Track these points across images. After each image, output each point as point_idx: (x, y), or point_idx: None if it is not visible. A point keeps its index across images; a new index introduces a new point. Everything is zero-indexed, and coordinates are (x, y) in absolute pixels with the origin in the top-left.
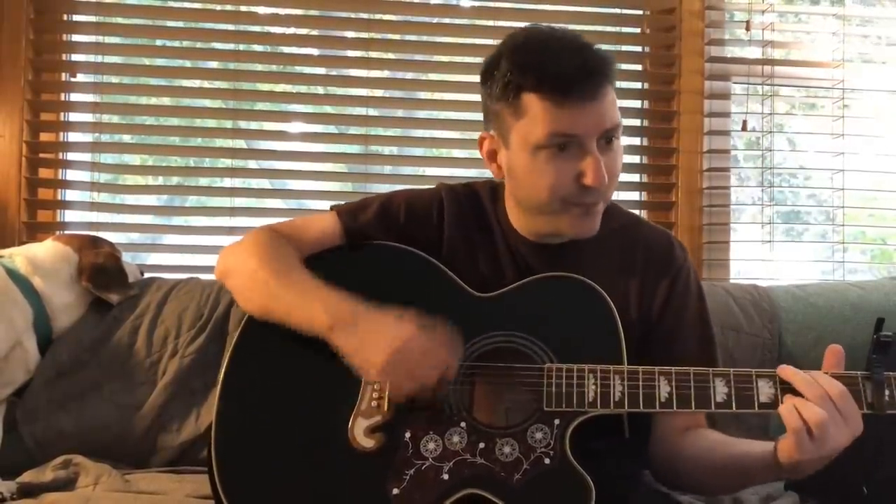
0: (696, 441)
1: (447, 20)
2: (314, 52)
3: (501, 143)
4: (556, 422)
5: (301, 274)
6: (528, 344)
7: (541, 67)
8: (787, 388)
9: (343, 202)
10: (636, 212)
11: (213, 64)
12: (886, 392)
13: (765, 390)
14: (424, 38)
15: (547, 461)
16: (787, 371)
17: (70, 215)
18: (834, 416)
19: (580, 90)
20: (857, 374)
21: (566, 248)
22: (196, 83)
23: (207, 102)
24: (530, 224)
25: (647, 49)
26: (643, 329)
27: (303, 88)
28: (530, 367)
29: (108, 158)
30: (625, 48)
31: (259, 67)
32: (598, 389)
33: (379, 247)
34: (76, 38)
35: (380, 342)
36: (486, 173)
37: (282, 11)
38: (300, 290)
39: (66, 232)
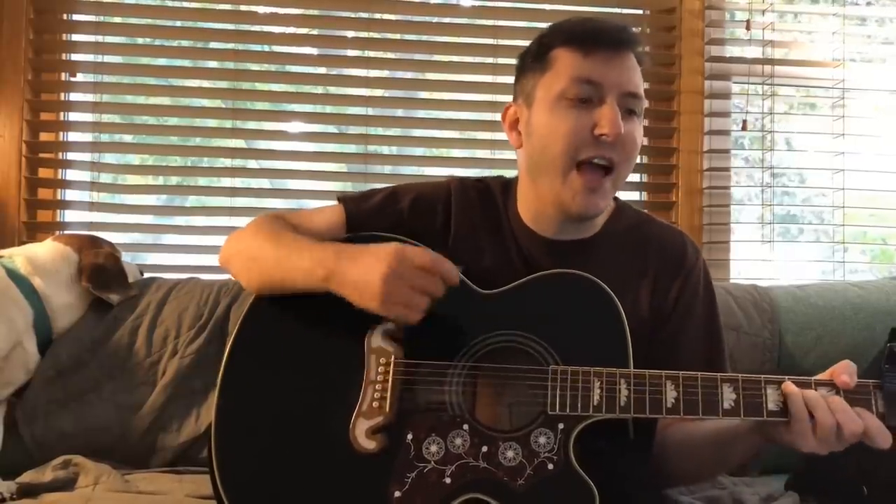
0: (678, 429)
1: (447, 20)
2: (314, 51)
3: (525, 106)
4: (561, 426)
5: (290, 236)
6: (532, 344)
7: (573, 25)
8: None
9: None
10: None
11: (213, 63)
12: None
13: (773, 397)
14: (424, 37)
15: (550, 466)
16: (788, 388)
17: (70, 215)
18: (829, 445)
19: (608, 42)
20: (868, 383)
21: (577, 246)
22: (196, 83)
23: (207, 102)
24: (540, 207)
25: (647, 49)
26: (653, 329)
27: (302, 88)
28: (535, 368)
29: (108, 158)
30: None
31: (259, 67)
32: (604, 393)
33: (382, 239)
34: (76, 37)
35: (369, 272)
36: (486, 173)
37: (281, 11)
38: (291, 249)
39: (66, 232)
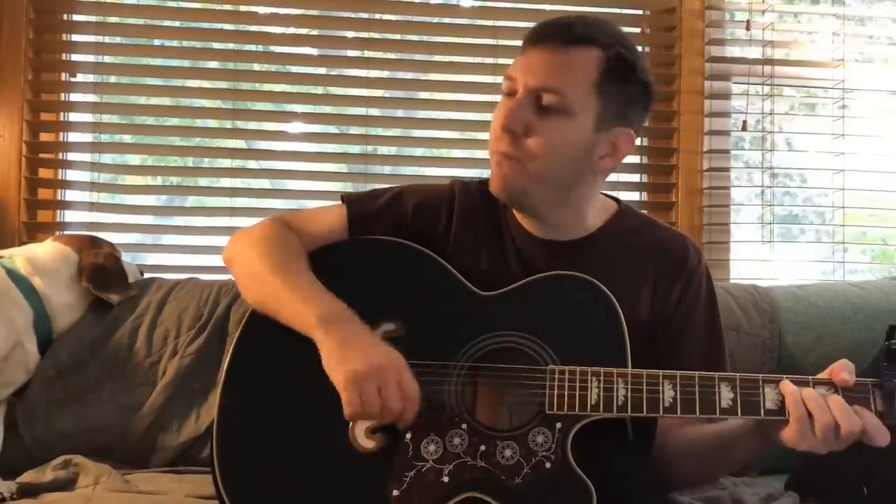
0: (679, 434)
1: (447, 20)
2: (314, 51)
3: None
4: (558, 425)
5: (299, 271)
6: (530, 345)
7: (536, 26)
8: None
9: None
10: None
11: (213, 64)
12: None
13: (771, 396)
14: (424, 38)
15: (548, 465)
16: (786, 387)
17: (70, 215)
18: (828, 444)
19: (537, 39)
20: (867, 382)
21: (572, 246)
22: (196, 83)
23: (207, 102)
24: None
25: (647, 49)
26: (653, 331)
27: (302, 88)
28: (533, 368)
29: (108, 158)
30: None
31: (259, 67)
32: (602, 393)
33: (383, 242)
34: (76, 37)
35: (363, 352)
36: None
37: (281, 11)
38: (294, 286)
39: (66, 232)
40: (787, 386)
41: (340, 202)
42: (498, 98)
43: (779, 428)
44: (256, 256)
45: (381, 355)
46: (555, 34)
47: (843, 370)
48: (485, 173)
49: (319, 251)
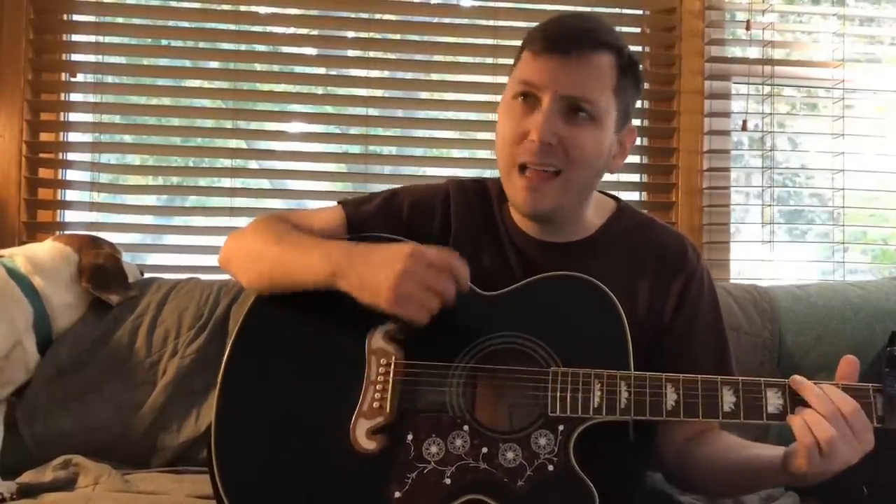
0: (708, 444)
1: (447, 20)
2: (314, 51)
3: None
4: (561, 428)
5: (298, 236)
6: (533, 346)
7: (541, 26)
8: (796, 399)
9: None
10: None
11: (214, 64)
12: None
13: (773, 400)
14: (424, 38)
15: (550, 468)
16: (799, 383)
17: (70, 215)
18: (844, 434)
19: (554, 44)
20: (868, 387)
21: (572, 247)
22: (196, 83)
23: (207, 102)
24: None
25: (647, 49)
26: (653, 333)
27: (303, 88)
28: (535, 370)
29: (108, 158)
30: None
31: (259, 67)
32: (604, 395)
33: (383, 240)
34: (76, 38)
35: (381, 270)
36: (486, 174)
37: (282, 11)
38: (296, 247)
39: (66, 232)
40: (798, 382)
41: (336, 205)
42: (498, 98)
43: (803, 457)
44: (252, 239)
45: (399, 259)
46: (576, 39)
47: (846, 366)
48: (485, 173)
49: None
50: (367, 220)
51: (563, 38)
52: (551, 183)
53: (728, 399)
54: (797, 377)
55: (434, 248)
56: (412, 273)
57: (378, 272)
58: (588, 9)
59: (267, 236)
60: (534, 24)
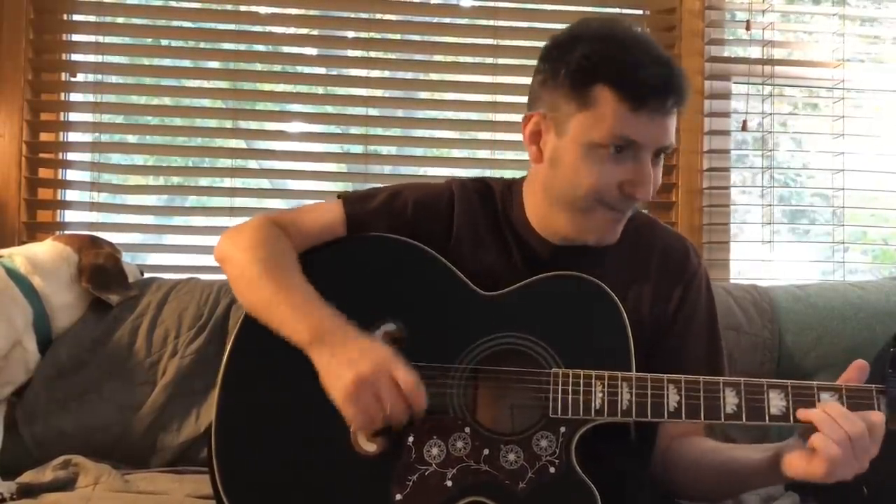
0: (691, 448)
1: (447, 20)
2: (314, 51)
3: (553, 129)
4: (562, 429)
5: (291, 277)
6: (534, 347)
7: (624, 65)
8: (798, 400)
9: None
10: None
11: (214, 64)
12: None
13: (776, 402)
14: (424, 38)
15: (552, 470)
16: (805, 413)
17: (70, 215)
18: (847, 456)
19: (657, 102)
20: (871, 388)
21: (581, 250)
22: (196, 83)
23: (207, 102)
24: (552, 221)
25: (684, 70)
26: (653, 334)
27: (303, 88)
28: (536, 371)
29: (108, 158)
30: None
31: (259, 67)
32: (606, 397)
33: (383, 240)
34: (76, 37)
35: (351, 365)
36: (486, 173)
37: (282, 11)
38: (285, 296)
39: (66, 232)
40: (805, 414)
41: (336, 199)
42: (498, 98)
43: (803, 467)
44: (247, 260)
45: (369, 362)
46: (678, 96)
47: (854, 371)
48: (485, 173)
49: (319, 248)
50: (368, 219)
51: (663, 94)
52: (628, 214)
53: (730, 400)
54: (802, 410)
55: (407, 370)
56: (373, 383)
57: (342, 365)
58: (588, 9)
59: (263, 264)
60: (534, 25)
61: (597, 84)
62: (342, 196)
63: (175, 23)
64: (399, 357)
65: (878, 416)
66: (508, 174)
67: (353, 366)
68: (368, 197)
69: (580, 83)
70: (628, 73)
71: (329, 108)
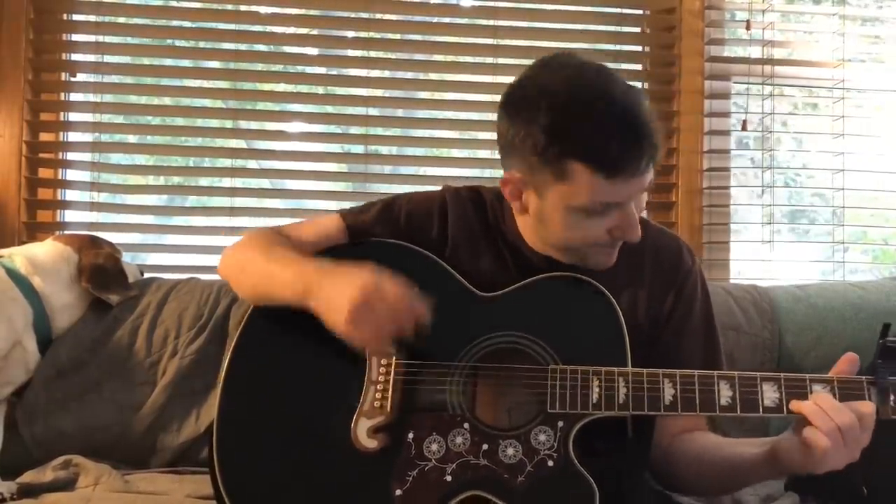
0: (691, 444)
1: (447, 20)
2: (314, 51)
3: (533, 191)
4: (560, 424)
5: (281, 249)
6: (531, 345)
7: (591, 140)
8: (792, 392)
9: (349, 206)
10: None
11: (214, 63)
12: (892, 398)
13: (770, 394)
14: (424, 37)
15: (550, 463)
16: (797, 405)
17: (70, 215)
18: (837, 446)
19: (632, 168)
20: (862, 379)
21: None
22: (196, 83)
23: (208, 102)
24: (546, 248)
25: (647, 49)
26: (650, 333)
27: (303, 88)
28: (534, 367)
29: (108, 158)
30: (625, 48)
31: (259, 67)
32: (603, 392)
33: (382, 244)
34: (76, 37)
35: (342, 293)
36: (486, 173)
37: (282, 11)
38: (278, 262)
39: (66, 232)
40: (796, 405)
41: (334, 215)
42: (498, 97)
43: (795, 454)
44: (243, 252)
45: (356, 287)
46: (647, 160)
47: (845, 363)
48: (485, 173)
49: (320, 254)
50: (368, 228)
51: (632, 161)
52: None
53: (725, 393)
54: (794, 402)
55: (395, 282)
56: (369, 302)
57: (338, 295)
58: (588, 9)
59: (256, 250)
60: (534, 24)
61: (567, 159)
62: (340, 212)
63: (175, 23)
64: (383, 272)
65: (867, 407)
66: None
67: (343, 295)
68: (364, 210)
69: (550, 158)
70: (598, 149)
71: (329, 108)
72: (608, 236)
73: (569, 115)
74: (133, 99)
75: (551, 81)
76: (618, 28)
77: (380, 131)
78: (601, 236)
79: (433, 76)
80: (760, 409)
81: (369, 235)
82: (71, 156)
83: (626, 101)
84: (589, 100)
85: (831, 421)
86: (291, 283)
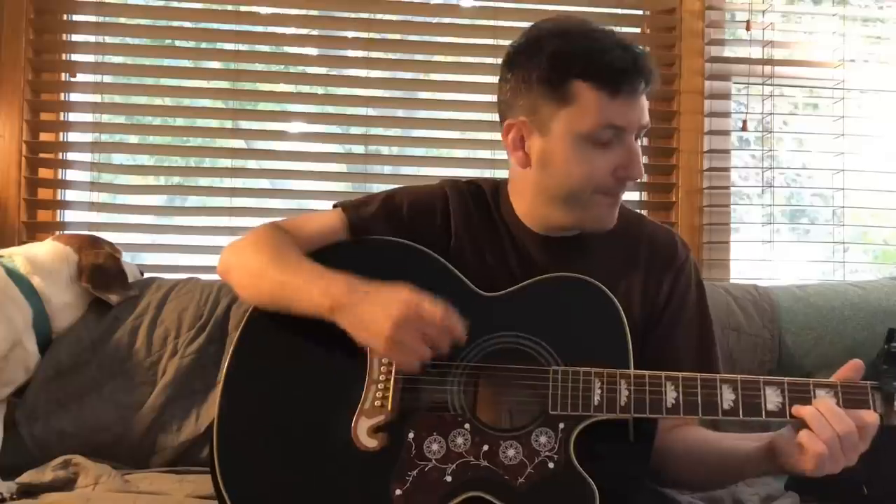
0: (685, 437)
1: (447, 20)
2: (315, 51)
3: (536, 130)
4: (561, 425)
5: (299, 260)
6: (533, 345)
7: (592, 56)
8: (794, 396)
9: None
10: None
11: (214, 64)
12: None
13: (772, 398)
14: (424, 38)
15: (551, 465)
16: (799, 411)
17: (70, 215)
18: (834, 454)
19: (631, 84)
20: (866, 385)
21: (571, 243)
22: (196, 83)
23: (208, 102)
24: (547, 218)
25: (647, 49)
26: (644, 324)
27: (303, 88)
28: (536, 368)
29: (108, 158)
30: None
31: (260, 67)
32: (605, 394)
33: (384, 242)
34: (76, 37)
35: (380, 313)
36: (486, 173)
37: (282, 11)
38: (298, 275)
39: (66, 232)
40: (798, 410)
41: (333, 208)
42: (496, 98)
43: (792, 456)
44: (252, 255)
45: (399, 305)
46: (644, 80)
47: (850, 371)
48: (485, 173)
49: (321, 251)
50: (370, 222)
51: (634, 77)
52: (622, 196)
53: (727, 397)
54: (797, 407)
55: (433, 301)
56: (410, 320)
57: (377, 314)
58: (588, 9)
59: (268, 255)
60: (533, 25)
61: (571, 80)
62: (339, 204)
63: (175, 23)
64: (420, 291)
65: (871, 417)
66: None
67: (385, 313)
68: (364, 203)
69: (555, 83)
70: (598, 62)
71: (329, 109)
72: (612, 179)
73: (570, 39)
74: (133, 99)
75: (548, 26)
76: (617, 28)
77: (380, 131)
78: (606, 176)
79: (433, 76)
80: (763, 413)
81: (371, 230)
82: (71, 156)
83: (613, 30)
84: (586, 29)
85: (830, 428)
86: (318, 298)
